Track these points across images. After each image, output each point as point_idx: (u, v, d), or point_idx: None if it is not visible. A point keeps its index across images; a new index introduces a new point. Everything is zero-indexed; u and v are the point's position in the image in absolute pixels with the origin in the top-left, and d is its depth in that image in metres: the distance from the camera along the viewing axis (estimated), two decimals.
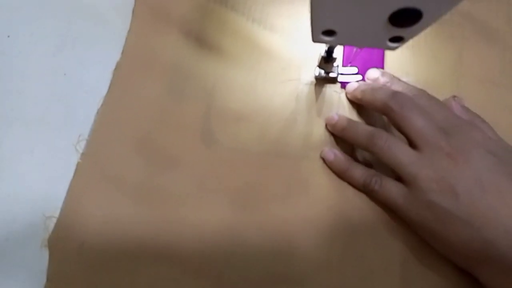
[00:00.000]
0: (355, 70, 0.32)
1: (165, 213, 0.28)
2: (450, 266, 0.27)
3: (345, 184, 0.30)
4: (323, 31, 0.23)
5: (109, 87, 0.30)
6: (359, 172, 0.29)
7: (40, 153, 0.28)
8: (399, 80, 0.31)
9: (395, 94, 0.28)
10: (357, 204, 0.29)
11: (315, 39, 0.24)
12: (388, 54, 0.33)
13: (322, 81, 0.32)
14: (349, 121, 0.30)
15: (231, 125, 0.31)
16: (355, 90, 0.31)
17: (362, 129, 0.29)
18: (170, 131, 0.30)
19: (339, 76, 0.32)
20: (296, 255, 0.28)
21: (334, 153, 0.30)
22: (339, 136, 0.31)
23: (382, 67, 0.33)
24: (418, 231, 0.28)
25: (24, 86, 0.30)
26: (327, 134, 0.31)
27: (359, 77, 0.32)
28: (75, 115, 0.30)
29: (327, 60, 0.30)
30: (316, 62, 0.31)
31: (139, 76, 0.31)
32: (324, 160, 0.30)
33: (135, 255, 0.27)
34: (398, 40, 0.23)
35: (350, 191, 0.30)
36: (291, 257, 0.28)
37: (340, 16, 0.21)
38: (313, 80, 0.32)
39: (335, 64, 0.31)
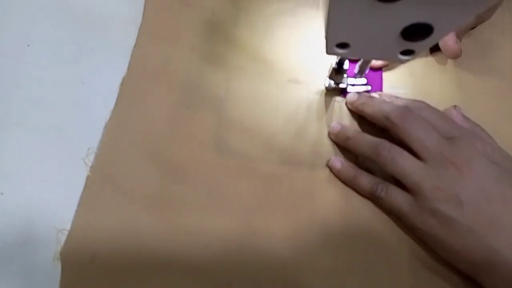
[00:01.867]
0: (364, 81, 0.33)
1: (175, 223, 0.28)
2: (457, 273, 0.28)
3: (351, 193, 0.30)
4: (337, 44, 0.23)
5: (116, 101, 0.31)
6: (365, 180, 0.30)
7: (54, 163, 0.29)
8: (398, 97, 0.32)
9: (395, 107, 0.29)
10: (364, 212, 0.30)
11: (329, 52, 0.24)
12: (387, 68, 0.34)
13: (332, 91, 0.33)
14: (353, 131, 0.31)
15: (240, 135, 0.31)
16: (355, 101, 0.32)
17: (366, 139, 0.30)
18: (180, 142, 0.30)
19: (348, 87, 0.33)
20: (304, 263, 0.28)
21: (341, 162, 0.30)
22: (343, 146, 0.31)
23: (381, 87, 0.34)
24: (424, 238, 0.28)
25: (42, 94, 0.31)
26: (334, 143, 0.32)
27: (368, 87, 0.33)
28: (90, 125, 0.30)
29: (338, 71, 0.31)
30: (327, 73, 0.32)
31: (147, 89, 0.31)
32: (331, 169, 0.31)
33: (146, 265, 0.27)
34: (409, 53, 0.24)
35: (357, 199, 0.30)
36: (299, 265, 0.28)
37: (354, 30, 0.22)
38: (321, 90, 0.33)
39: (345, 75, 0.32)
